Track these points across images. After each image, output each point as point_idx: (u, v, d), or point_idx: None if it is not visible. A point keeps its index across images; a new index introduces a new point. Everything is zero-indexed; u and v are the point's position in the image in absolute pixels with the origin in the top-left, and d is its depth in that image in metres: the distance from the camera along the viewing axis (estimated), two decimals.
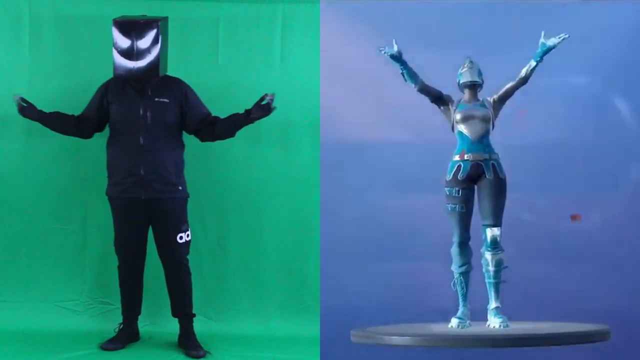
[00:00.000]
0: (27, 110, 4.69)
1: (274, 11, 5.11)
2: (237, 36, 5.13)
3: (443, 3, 4.87)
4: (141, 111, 4.63)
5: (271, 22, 5.12)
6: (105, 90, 4.74)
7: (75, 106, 4.96)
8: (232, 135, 4.76)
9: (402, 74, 4.05)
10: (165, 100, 4.66)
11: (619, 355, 4.51)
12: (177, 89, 4.71)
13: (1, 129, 5.08)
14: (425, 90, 4.04)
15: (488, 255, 3.92)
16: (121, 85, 4.69)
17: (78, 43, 5.07)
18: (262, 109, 4.62)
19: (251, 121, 4.67)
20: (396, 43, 4.02)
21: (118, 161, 4.68)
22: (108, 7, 5.01)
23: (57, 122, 4.77)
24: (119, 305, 4.92)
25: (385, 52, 4.02)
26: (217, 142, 4.85)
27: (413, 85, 4.04)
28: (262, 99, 4.61)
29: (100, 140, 4.94)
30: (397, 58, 4.03)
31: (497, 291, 3.93)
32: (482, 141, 3.97)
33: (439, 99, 4.04)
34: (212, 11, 5.09)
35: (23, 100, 4.69)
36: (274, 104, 4.62)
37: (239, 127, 4.72)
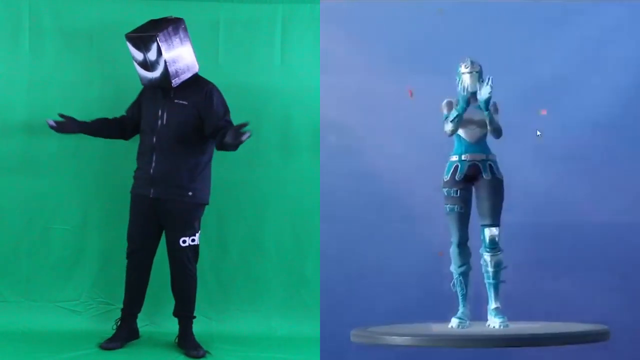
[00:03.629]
0: (66, 125, 4.71)
1: (274, 11, 5.11)
2: (237, 36, 5.13)
3: (443, 3, 4.87)
4: (160, 112, 4.67)
5: (271, 22, 5.12)
6: (142, 91, 4.80)
7: (75, 106, 4.97)
8: (231, 149, 4.58)
9: (456, 117, 3.92)
10: (184, 102, 4.67)
11: (619, 355, 4.52)
12: (201, 91, 4.68)
13: (1, 129, 5.08)
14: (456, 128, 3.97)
15: (487, 256, 3.93)
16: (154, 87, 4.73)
17: (78, 44, 5.06)
18: (233, 136, 4.45)
19: (225, 146, 4.54)
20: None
21: (138, 158, 4.75)
22: (108, 8, 5.02)
23: (102, 129, 4.81)
24: (118, 305, 4.91)
25: (483, 98, 3.88)
26: None
27: (451, 129, 3.95)
28: (241, 128, 4.44)
29: (100, 140, 4.94)
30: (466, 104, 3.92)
31: (496, 291, 3.93)
32: (479, 143, 3.97)
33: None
34: (212, 11, 5.09)
35: (61, 116, 4.69)
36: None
37: (226, 147, 4.56)
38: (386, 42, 4.64)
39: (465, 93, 3.90)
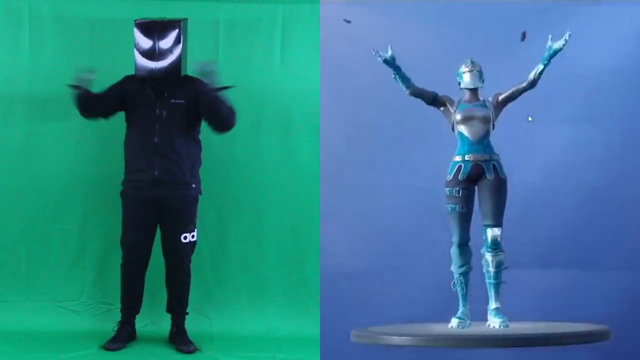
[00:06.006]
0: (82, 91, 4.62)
1: (274, 12, 5.11)
2: (237, 36, 5.13)
3: (442, 3, 4.88)
4: (157, 112, 4.65)
5: (271, 22, 5.12)
6: (127, 83, 4.72)
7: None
8: (216, 111, 4.64)
9: (395, 78, 4.02)
10: (181, 101, 4.66)
11: (619, 356, 4.52)
12: (192, 88, 4.68)
13: (1, 128, 5.08)
14: (417, 94, 4.01)
15: (488, 257, 3.92)
16: (140, 84, 4.68)
17: (78, 43, 5.06)
18: (203, 75, 4.60)
19: (209, 93, 4.60)
20: (391, 48, 4.00)
21: (134, 160, 4.70)
22: (108, 7, 5.02)
23: (94, 104, 4.69)
24: (119, 305, 4.92)
25: (379, 56, 4.02)
26: (216, 142, 4.89)
27: (405, 89, 4.02)
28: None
29: (100, 140, 4.95)
30: (390, 63, 4.01)
31: (497, 292, 3.93)
32: (482, 142, 3.95)
33: (435, 101, 4.02)
34: (212, 12, 5.09)
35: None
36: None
37: (209, 104, 4.63)
38: (386, 42, 4.63)
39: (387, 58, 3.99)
